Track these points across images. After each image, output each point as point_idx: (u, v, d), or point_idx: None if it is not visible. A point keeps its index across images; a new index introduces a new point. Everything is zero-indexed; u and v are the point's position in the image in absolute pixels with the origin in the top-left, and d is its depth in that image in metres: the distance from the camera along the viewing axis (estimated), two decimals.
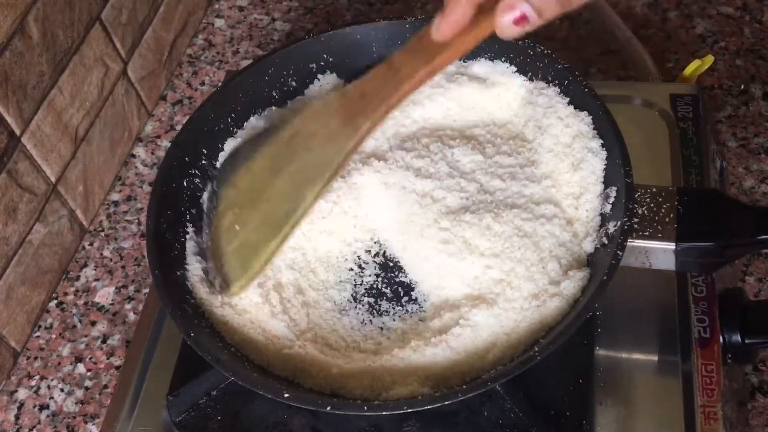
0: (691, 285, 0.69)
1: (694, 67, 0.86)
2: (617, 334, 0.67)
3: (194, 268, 0.67)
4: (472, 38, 0.54)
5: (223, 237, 0.65)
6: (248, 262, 0.62)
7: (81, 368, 0.83)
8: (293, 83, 0.78)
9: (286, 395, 0.56)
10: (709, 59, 0.87)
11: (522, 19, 0.49)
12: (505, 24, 0.49)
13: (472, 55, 0.75)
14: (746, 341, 0.66)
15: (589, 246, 0.64)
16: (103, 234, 0.94)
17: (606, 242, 0.62)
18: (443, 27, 0.53)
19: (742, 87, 0.97)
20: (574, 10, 0.50)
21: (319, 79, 0.78)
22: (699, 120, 0.79)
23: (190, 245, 0.69)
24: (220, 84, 0.98)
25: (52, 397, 0.82)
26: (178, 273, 0.66)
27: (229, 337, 0.63)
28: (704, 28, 1.04)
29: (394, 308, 0.67)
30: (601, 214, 0.64)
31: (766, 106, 0.95)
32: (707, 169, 0.76)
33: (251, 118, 0.76)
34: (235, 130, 0.75)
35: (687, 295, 0.68)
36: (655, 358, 0.67)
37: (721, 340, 0.66)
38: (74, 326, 0.87)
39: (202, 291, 0.65)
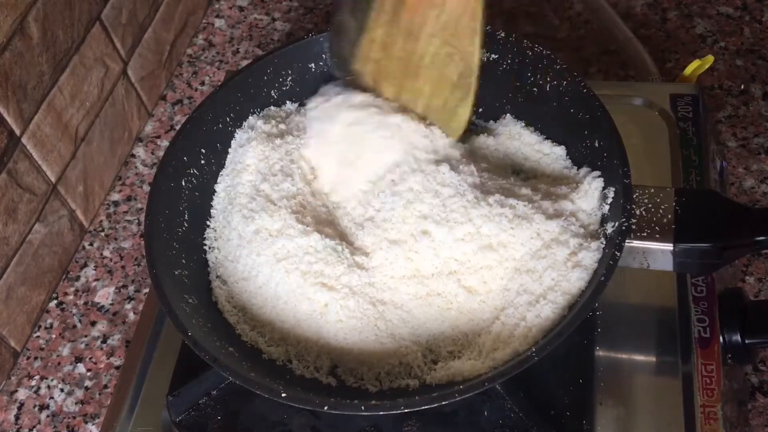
0: (691, 285, 0.69)
1: (694, 67, 0.86)
2: (617, 334, 0.67)
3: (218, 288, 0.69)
4: None
5: (400, 101, 0.70)
6: (452, 122, 0.69)
7: (81, 368, 0.83)
8: (292, 83, 0.78)
9: (283, 395, 0.56)
10: (709, 59, 0.87)
11: None
12: None
13: None
14: (746, 341, 0.66)
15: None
16: (103, 234, 0.94)
17: (604, 243, 0.62)
18: None
19: (742, 87, 0.97)
20: None
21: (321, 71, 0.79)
22: (699, 120, 0.79)
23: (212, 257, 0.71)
24: (220, 84, 0.98)
25: (52, 397, 0.82)
26: (176, 272, 0.66)
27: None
28: (704, 28, 1.04)
29: None
30: (600, 215, 0.64)
31: (766, 106, 0.95)
32: (707, 169, 0.76)
33: (250, 117, 0.76)
34: (234, 129, 0.75)
35: (687, 295, 0.68)
36: (655, 358, 0.67)
37: (721, 340, 0.66)
38: (74, 326, 0.87)
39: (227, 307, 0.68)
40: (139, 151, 1.01)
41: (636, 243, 0.63)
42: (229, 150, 0.75)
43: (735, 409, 0.69)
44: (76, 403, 0.81)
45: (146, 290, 0.88)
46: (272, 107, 0.77)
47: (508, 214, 0.64)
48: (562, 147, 0.72)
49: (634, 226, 0.62)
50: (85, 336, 0.86)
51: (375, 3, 0.66)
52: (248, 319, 0.67)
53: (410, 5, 0.65)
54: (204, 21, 1.15)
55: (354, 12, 0.68)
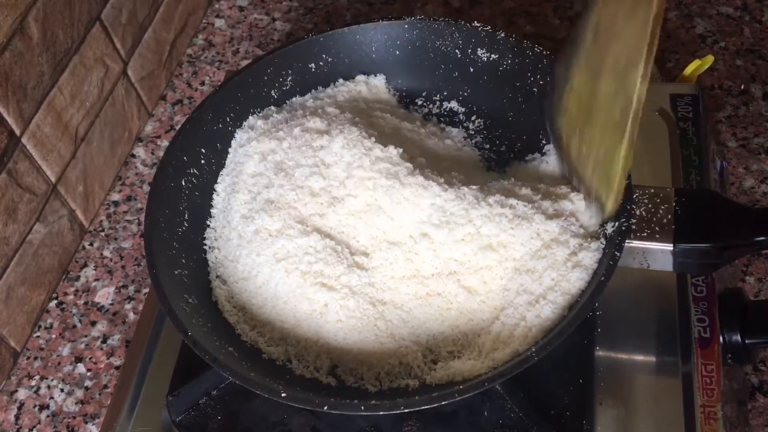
0: (691, 285, 0.69)
1: (694, 67, 0.86)
2: (617, 334, 0.67)
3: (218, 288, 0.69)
4: None
5: (579, 166, 0.63)
6: (609, 179, 0.59)
7: (81, 368, 0.83)
8: (292, 83, 0.78)
9: (283, 395, 0.56)
10: (709, 59, 0.87)
11: None
12: None
13: None
14: (746, 341, 0.66)
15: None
16: (103, 234, 0.94)
17: (604, 243, 0.62)
18: None
19: (742, 87, 0.97)
20: None
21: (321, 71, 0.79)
22: (699, 120, 0.79)
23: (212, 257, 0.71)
24: (219, 84, 0.98)
25: (52, 397, 0.82)
26: (176, 272, 0.66)
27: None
28: (704, 28, 1.04)
29: None
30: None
31: (766, 106, 0.95)
32: (707, 169, 0.76)
33: (250, 117, 0.76)
34: (234, 130, 0.75)
35: (687, 295, 0.68)
36: (655, 358, 0.67)
37: (721, 340, 0.66)
38: (74, 326, 0.87)
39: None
40: (139, 151, 1.01)
41: (636, 243, 0.63)
42: (229, 150, 0.75)
43: (735, 409, 0.69)
44: (76, 403, 0.81)
45: (146, 290, 0.88)
46: (272, 107, 0.77)
47: (508, 214, 0.64)
48: None
49: (634, 226, 0.62)
50: (85, 336, 0.86)
51: (578, 49, 0.60)
52: (248, 319, 0.67)
53: (600, 42, 0.59)
54: (204, 21, 1.15)
55: (565, 60, 0.62)
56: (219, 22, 1.14)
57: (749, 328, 0.66)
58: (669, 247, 0.62)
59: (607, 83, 0.58)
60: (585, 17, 0.61)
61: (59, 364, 0.84)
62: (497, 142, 0.77)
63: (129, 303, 0.88)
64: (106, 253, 0.92)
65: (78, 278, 0.90)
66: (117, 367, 0.83)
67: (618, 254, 0.58)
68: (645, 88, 0.55)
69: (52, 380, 0.83)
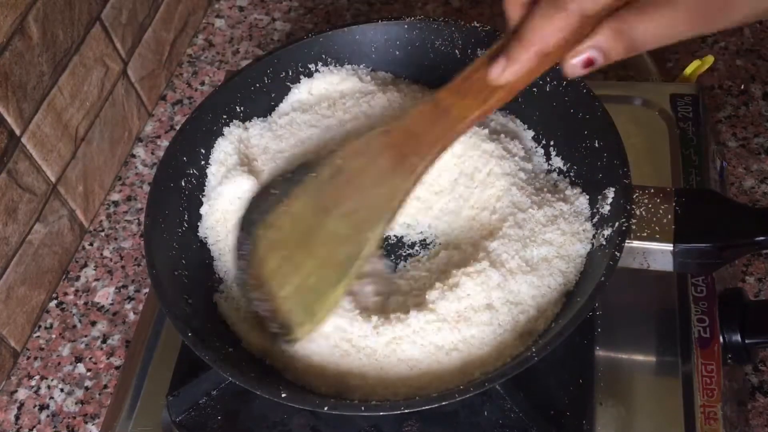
0: (691, 285, 0.69)
1: (694, 67, 0.86)
2: (617, 334, 0.67)
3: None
4: (528, 79, 0.52)
5: (273, 281, 0.62)
6: (312, 308, 0.61)
7: (81, 368, 0.83)
8: (292, 83, 0.78)
9: (283, 395, 0.56)
10: (709, 59, 0.87)
11: (589, 63, 0.48)
12: (574, 65, 0.49)
13: None
14: (746, 341, 0.66)
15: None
16: (103, 234, 0.94)
17: (604, 243, 0.62)
18: (506, 74, 0.51)
19: (742, 87, 0.97)
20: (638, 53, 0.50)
21: (320, 71, 0.78)
22: (699, 120, 0.79)
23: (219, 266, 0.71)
24: (219, 84, 0.98)
25: (52, 397, 0.82)
26: (176, 273, 0.66)
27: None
28: None
29: None
30: (599, 215, 0.64)
31: (766, 106, 0.95)
32: (707, 169, 0.76)
33: (253, 119, 0.76)
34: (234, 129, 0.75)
35: (687, 295, 0.68)
36: (655, 358, 0.67)
37: (721, 340, 0.66)
38: (74, 326, 0.87)
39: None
40: (139, 151, 1.01)
41: (636, 243, 0.63)
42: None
43: (735, 409, 0.69)
44: (76, 403, 0.81)
45: (146, 290, 0.88)
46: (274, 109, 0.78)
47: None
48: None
49: (634, 227, 0.62)
50: (85, 336, 0.86)
51: (308, 177, 0.63)
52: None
53: (339, 184, 0.62)
54: (204, 21, 1.15)
55: (288, 181, 0.64)
56: (219, 22, 1.14)
57: (749, 328, 0.66)
58: (669, 247, 0.62)
59: (337, 224, 0.61)
60: (324, 156, 0.63)
61: (59, 364, 0.84)
62: None
63: (129, 303, 0.88)
64: (106, 253, 0.92)
65: (78, 278, 0.90)
66: (117, 367, 0.83)
67: (618, 254, 0.58)
68: (372, 250, 0.59)
69: (52, 380, 0.83)
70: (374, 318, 0.62)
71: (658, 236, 0.62)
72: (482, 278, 0.61)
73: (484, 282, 0.61)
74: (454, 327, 0.60)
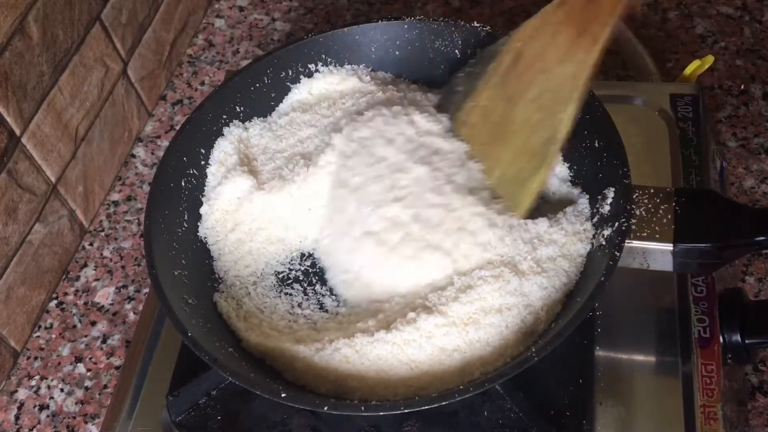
0: (691, 285, 0.69)
1: (694, 67, 0.86)
2: (617, 334, 0.67)
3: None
4: None
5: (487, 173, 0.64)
6: (519, 195, 0.62)
7: (81, 368, 0.83)
8: (292, 83, 0.78)
9: (283, 395, 0.56)
10: (709, 59, 0.87)
11: None
12: None
13: None
14: (746, 341, 0.66)
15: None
16: (103, 234, 0.94)
17: (604, 243, 0.62)
18: None
19: (742, 87, 0.97)
20: None
21: (320, 71, 0.78)
22: (699, 120, 0.79)
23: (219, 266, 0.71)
24: (219, 84, 0.98)
25: (52, 397, 0.82)
26: (176, 273, 0.66)
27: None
28: (704, 28, 1.04)
29: None
30: (600, 215, 0.64)
31: (766, 106, 0.95)
32: (707, 169, 0.76)
33: (253, 119, 0.76)
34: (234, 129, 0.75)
35: (687, 295, 0.68)
36: (655, 358, 0.67)
37: (721, 340, 0.66)
38: (74, 326, 0.87)
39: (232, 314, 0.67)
40: (139, 151, 1.01)
41: (636, 243, 0.63)
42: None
43: (735, 409, 0.69)
44: (76, 403, 0.81)
45: (146, 290, 0.88)
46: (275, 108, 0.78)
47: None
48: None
49: (633, 227, 0.62)
50: (85, 336, 0.86)
51: (490, 68, 0.63)
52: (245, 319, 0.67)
53: (521, 70, 0.61)
54: (204, 21, 1.15)
55: (470, 75, 0.64)
56: (219, 22, 1.14)
57: (749, 328, 0.66)
58: (669, 247, 0.62)
59: (528, 111, 0.60)
60: (503, 42, 0.62)
61: (59, 364, 0.84)
62: None
63: (129, 303, 0.88)
64: (106, 253, 0.92)
65: (78, 278, 0.90)
66: (117, 367, 0.83)
67: (618, 254, 0.58)
68: (570, 127, 0.59)
69: (52, 380, 0.83)
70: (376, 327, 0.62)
71: (658, 236, 0.62)
72: (500, 283, 0.61)
73: (501, 287, 0.61)
74: (462, 329, 0.60)
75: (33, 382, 0.83)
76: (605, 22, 0.55)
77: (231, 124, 0.75)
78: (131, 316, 0.87)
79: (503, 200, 0.65)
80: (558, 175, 0.71)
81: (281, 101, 0.78)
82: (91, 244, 0.93)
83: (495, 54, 0.62)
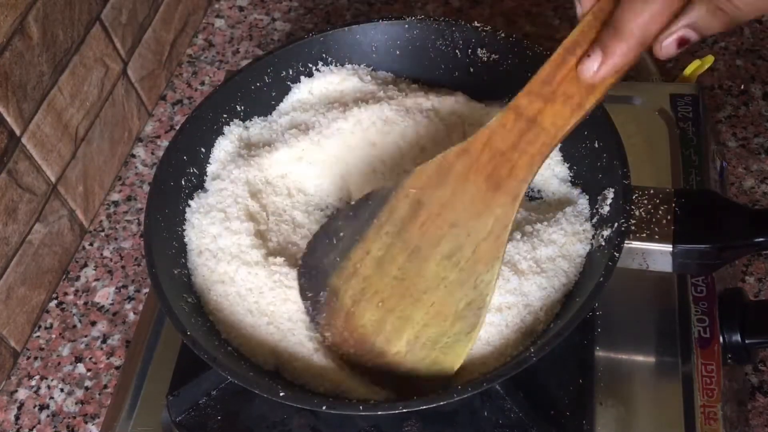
0: (691, 285, 0.69)
1: (694, 67, 0.86)
2: (617, 334, 0.67)
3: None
4: (623, 72, 0.48)
5: (376, 336, 0.58)
6: (447, 359, 0.56)
7: (81, 368, 0.83)
8: (293, 83, 0.78)
9: (281, 394, 0.56)
10: (709, 59, 0.87)
11: (683, 42, 0.45)
12: (667, 46, 0.45)
13: None
14: (746, 341, 0.66)
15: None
16: (103, 234, 0.94)
17: (603, 243, 0.62)
18: (603, 71, 0.47)
19: (742, 87, 0.97)
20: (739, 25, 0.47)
21: (320, 71, 0.78)
22: (699, 120, 0.79)
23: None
24: (220, 83, 0.98)
25: (52, 397, 0.82)
26: (176, 272, 0.66)
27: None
28: None
29: None
30: (599, 216, 0.64)
31: (766, 106, 0.95)
32: (707, 170, 0.76)
33: (254, 118, 0.76)
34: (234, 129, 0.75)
35: (687, 295, 0.68)
36: (655, 358, 0.66)
37: (721, 340, 0.66)
38: (74, 326, 0.87)
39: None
40: (139, 151, 1.01)
41: (635, 244, 0.62)
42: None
43: (735, 409, 0.69)
44: (76, 403, 0.81)
45: (146, 290, 0.88)
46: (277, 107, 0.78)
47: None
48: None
49: (633, 227, 0.62)
50: (85, 336, 0.86)
51: (382, 212, 0.57)
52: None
53: (424, 219, 0.56)
54: (204, 21, 1.15)
55: (353, 218, 0.59)
56: (219, 22, 1.15)
57: (749, 328, 0.66)
58: (668, 247, 0.62)
59: (441, 269, 0.55)
60: (391, 188, 0.57)
61: (59, 364, 0.84)
62: None
63: (129, 303, 0.88)
64: (106, 253, 0.92)
65: (78, 278, 0.90)
66: (117, 367, 0.83)
67: (617, 255, 0.58)
68: (493, 293, 0.54)
69: (52, 380, 0.83)
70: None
71: (657, 237, 0.62)
72: (500, 281, 0.61)
73: (501, 286, 0.61)
74: None
75: (33, 382, 0.83)
76: (523, 179, 0.51)
77: (231, 123, 0.75)
78: (131, 316, 0.87)
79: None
80: (558, 176, 0.71)
81: (282, 100, 0.78)
82: (91, 244, 0.93)
83: (382, 200, 0.57)
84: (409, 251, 0.56)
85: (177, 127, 0.99)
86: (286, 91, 0.78)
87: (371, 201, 0.58)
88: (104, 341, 0.85)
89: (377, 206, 0.58)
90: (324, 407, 0.55)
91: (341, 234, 0.59)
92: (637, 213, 0.63)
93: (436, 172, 0.55)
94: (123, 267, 0.91)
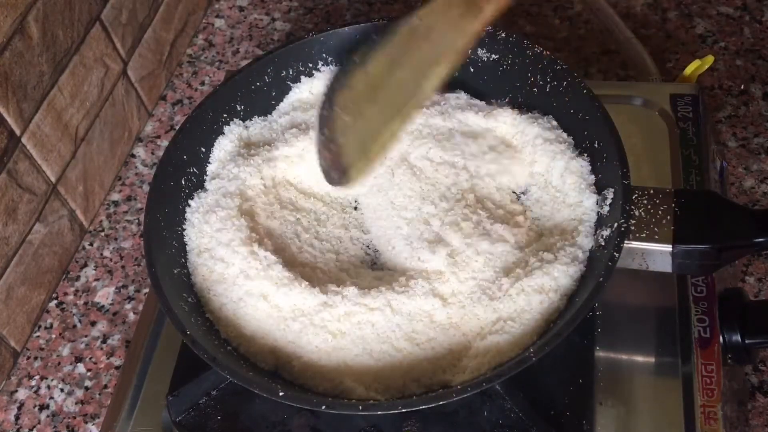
0: (691, 285, 0.69)
1: (694, 67, 0.86)
2: (617, 334, 0.67)
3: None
4: None
5: (339, 133, 0.64)
6: (367, 146, 0.63)
7: (81, 368, 0.83)
8: (293, 82, 0.78)
9: (281, 394, 0.56)
10: (709, 59, 0.87)
11: None
12: None
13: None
14: (746, 341, 0.66)
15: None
16: (103, 234, 0.94)
17: (603, 244, 0.62)
18: None
19: (742, 87, 0.97)
20: None
21: (320, 70, 0.78)
22: (699, 120, 0.79)
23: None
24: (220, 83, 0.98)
25: (52, 397, 0.82)
26: (175, 272, 0.66)
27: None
28: (704, 28, 1.04)
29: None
30: (599, 216, 0.64)
31: (766, 106, 0.95)
32: (707, 170, 0.76)
33: (254, 117, 0.76)
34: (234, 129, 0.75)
35: (687, 295, 0.68)
36: (655, 358, 0.67)
37: (721, 340, 0.66)
38: (74, 326, 0.87)
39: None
40: (139, 151, 1.01)
41: (635, 244, 0.62)
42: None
43: (735, 409, 0.69)
44: (76, 403, 0.81)
45: (146, 290, 0.88)
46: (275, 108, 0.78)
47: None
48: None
49: (633, 227, 0.62)
50: (85, 336, 0.86)
51: (389, 39, 0.64)
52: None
53: (412, 41, 0.64)
54: (204, 21, 1.15)
55: (367, 46, 0.65)
56: (219, 22, 1.15)
57: (749, 328, 0.66)
58: (668, 248, 0.62)
59: (405, 72, 0.63)
60: (402, 21, 0.65)
61: (59, 364, 0.84)
62: None
63: (129, 303, 0.88)
64: (106, 253, 0.92)
65: (78, 278, 0.90)
66: (117, 367, 0.83)
67: (617, 255, 0.58)
68: (432, 87, 0.62)
69: (52, 380, 0.83)
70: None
71: (657, 237, 0.62)
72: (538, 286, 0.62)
73: (539, 290, 0.61)
74: None
75: (33, 382, 0.83)
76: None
77: (231, 122, 0.75)
78: (131, 316, 0.87)
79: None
80: (574, 173, 0.71)
81: (282, 100, 0.78)
82: (91, 244, 0.93)
83: (396, 27, 0.64)
84: (389, 64, 0.64)
85: (177, 127, 0.99)
86: (286, 90, 0.78)
87: (386, 29, 0.65)
88: (104, 341, 0.85)
89: (390, 32, 0.64)
90: (323, 407, 0.55)
91: (356, 59, 0.66)
92: (637, 213, 0.63)
93: (439, 3, 0.63)
94: (123, 267, 0.91)
